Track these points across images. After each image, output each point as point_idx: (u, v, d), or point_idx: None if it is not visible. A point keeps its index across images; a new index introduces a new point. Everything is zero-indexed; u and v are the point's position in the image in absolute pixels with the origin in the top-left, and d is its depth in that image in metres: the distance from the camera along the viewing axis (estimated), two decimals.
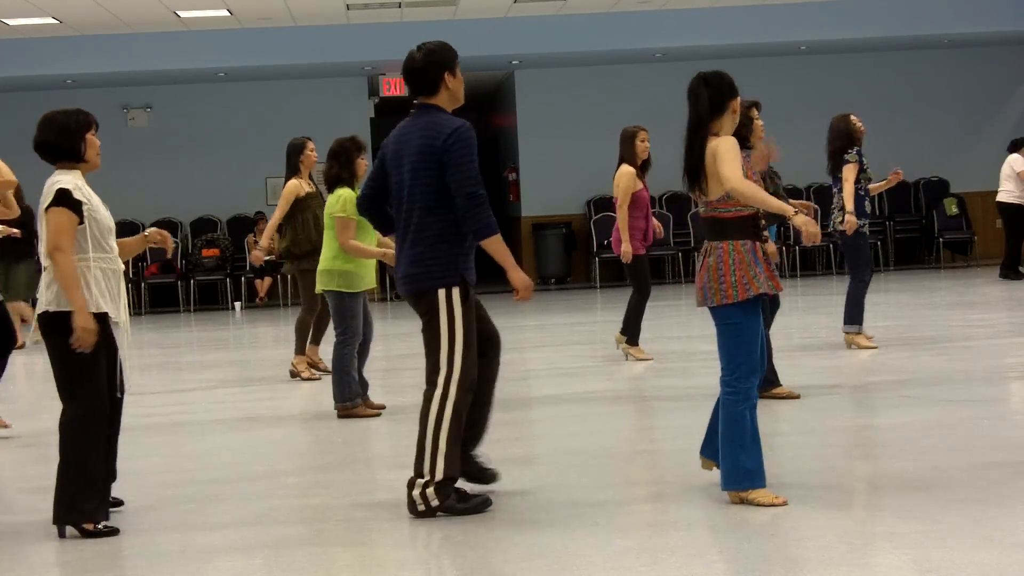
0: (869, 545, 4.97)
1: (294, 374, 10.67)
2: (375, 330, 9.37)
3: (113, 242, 5.93)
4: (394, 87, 20.25)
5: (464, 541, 5.34)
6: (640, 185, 10.61)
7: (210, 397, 10.42)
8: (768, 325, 8.16)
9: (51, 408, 10.02)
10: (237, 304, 19.66)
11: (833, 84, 21.11)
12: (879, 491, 5.89)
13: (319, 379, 10.47)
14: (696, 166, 5.71)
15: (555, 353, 11.70)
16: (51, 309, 5.75)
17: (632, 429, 8.04)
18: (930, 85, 21.10)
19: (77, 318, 5.64)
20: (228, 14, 17.68)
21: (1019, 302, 14.53)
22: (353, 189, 8.71)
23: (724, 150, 5.61)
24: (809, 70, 21.26)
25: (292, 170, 10.64)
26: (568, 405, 9.16)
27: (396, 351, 12.95)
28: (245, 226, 20.55)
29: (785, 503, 5.59)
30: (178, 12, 17.34)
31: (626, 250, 10.45)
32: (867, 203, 10.68)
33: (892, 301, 14.94)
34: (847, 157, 10.64)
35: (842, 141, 10.71)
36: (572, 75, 21.12)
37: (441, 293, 5.75)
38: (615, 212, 10.63)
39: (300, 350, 10.66)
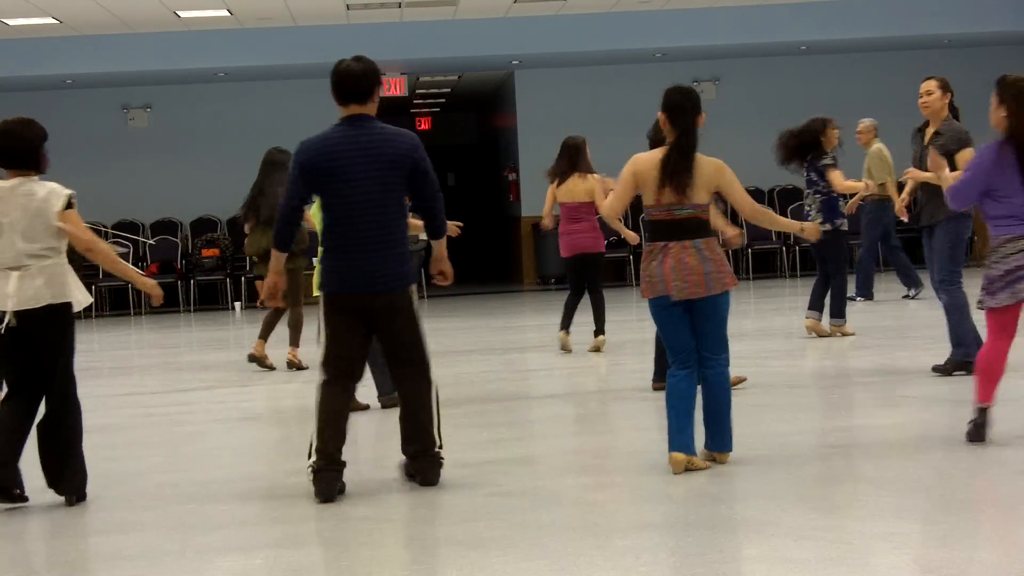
0: (869, 545, 4.97)
1: (292, 364, 11.22)
2: None
3: None
4: (394, 87, 20.24)
5: (464, 541, 5.34)
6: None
7: (210, 397, 10.42)
8: None
9: None
10: (237, 304, 19.67)
11: (833, 84, 21.11)
12: (879, 491, 5.89)
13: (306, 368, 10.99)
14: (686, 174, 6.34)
15: (555, 353, 11.71)
16: (54, 302, 6.21)
17: (632, 429, 8.04)
18: None
19: (141, 284, 6.51)
20: (228, 14, 17.68)
21: None
22: None
23: (730, 177, 6.39)
24: (809, 70, 21.27)
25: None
26: (568, 405, 9.16)
27: None
28: None
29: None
30: (178, 12, 17.34)
31: (631, 235, 11.40)
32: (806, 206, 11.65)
33: (892, 301, 14.94)
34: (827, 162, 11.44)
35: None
36: (572, 75, 21.11)
37: (413, 288, 6.38)
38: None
39: (293, 342, 11.27)
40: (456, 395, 9.74)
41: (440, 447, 6.38)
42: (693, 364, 6.35)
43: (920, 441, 6.95)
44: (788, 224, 6.97)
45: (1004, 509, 5.49)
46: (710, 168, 6.29)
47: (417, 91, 24.30)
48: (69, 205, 6.25)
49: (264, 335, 11.41)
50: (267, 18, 18.10)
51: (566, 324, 11.54)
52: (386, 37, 18.82)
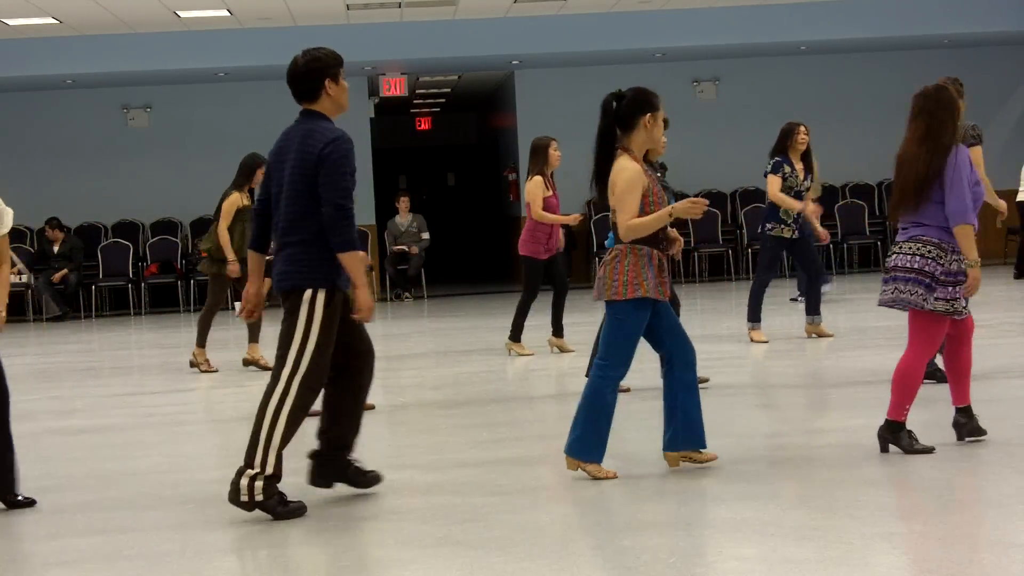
0: (869, 545, 4.97)
1: (195, 364, 11.63)
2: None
3: None
4: (394, 87, 20.23)
5: (464, 541, 5.34)
6: (549, 192, 11.38)
7: (210, 397, 10.43)
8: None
9: (49, 409, 10.03)
10: (237, 304, 19.64)
11: (833, 84, 21.12)
12: (879, 491, 5.89)
13: (216, 371, 11.54)
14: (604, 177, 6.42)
15: (555, 353, 11.71)
16: None
17: (632, 428, 8.04)
18: None
19: None
20: (228, 14, 17.68)
21: (1018, 302, 14.54)
22: None
23: (620, 189, 6.23)
24: (809, 70, 21.26)
25: (240, 184, 11.93)
26: (568, 405, 9.15)
27: (395, 351, 12.95)
28: None
29: (615, 476, 6.23)
30: (178, 12, 17.34)
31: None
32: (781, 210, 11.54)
33: None
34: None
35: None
36: (572, 75, 21.10)
37: (307, 293, 5.85)
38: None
39: (200, 343, 11.67)
40: (456, 395, 9.74)
41: (255, 471, 5.76)
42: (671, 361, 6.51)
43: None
44: (660, 217, 6.23)
45: (1004, 509, 5.49)
46: (613, 173, 6.30)
47: (417, 91, 24.28)
48: None
49: (253, 337, 11.62)
50: (267, 18, 18.09)
51: (555, 328, 11.72)
52: (386, 37, 18.81)
